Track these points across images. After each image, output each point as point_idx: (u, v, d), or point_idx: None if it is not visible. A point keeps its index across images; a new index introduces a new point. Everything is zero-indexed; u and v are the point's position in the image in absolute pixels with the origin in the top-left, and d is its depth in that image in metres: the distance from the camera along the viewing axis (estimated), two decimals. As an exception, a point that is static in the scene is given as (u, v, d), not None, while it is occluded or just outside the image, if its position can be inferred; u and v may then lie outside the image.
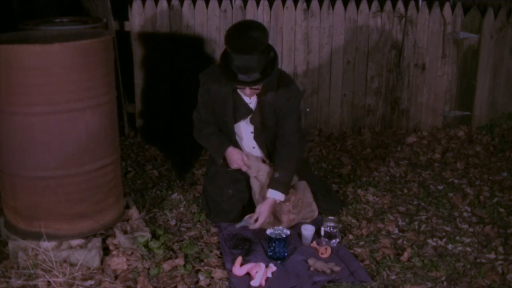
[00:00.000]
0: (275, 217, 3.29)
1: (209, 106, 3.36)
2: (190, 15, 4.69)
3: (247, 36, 3.06)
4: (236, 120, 3.34)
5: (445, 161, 4.45)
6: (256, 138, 3.39)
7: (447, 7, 4.83)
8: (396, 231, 3.36)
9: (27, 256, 2.85)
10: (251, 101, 3.30)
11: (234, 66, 3.06)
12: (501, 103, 5.13)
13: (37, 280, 2.73)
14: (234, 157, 3.32)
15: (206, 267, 2.94)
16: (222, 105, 3.30)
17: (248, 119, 3.34)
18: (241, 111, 3.31)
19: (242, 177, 3.40)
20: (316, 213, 3.40)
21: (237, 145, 3.40)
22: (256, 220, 3.18)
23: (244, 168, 3.32)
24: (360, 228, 3.36)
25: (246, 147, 3.43)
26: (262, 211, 3.18)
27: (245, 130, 3.38)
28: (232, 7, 4.71)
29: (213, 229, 3.34)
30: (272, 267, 2.90)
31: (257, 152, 3.43)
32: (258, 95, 3.26)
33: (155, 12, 4.66)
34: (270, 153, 3.41)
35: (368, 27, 4.84)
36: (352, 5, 4.80)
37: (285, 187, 3.24)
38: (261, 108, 3.29)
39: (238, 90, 3.23)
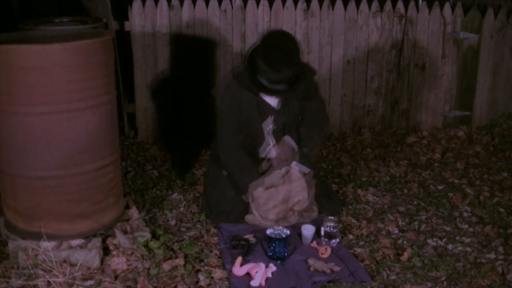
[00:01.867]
0: (284, 218, 3.30)
1: (235, 118, 3.31)
2: (190, 15, 4.69)
3: (283, 50, 3.04)
4: (263, 119, 3.35)
5: (445, 161, 4.45)
6: (275, 134, 3.41)
7: (447, 7, 4.84)
8: (396, 231, 3.36)
9: (27, 256, 2.85)
10: (274, 100, 3.33)
11: (266, 79, 3.06)
12: (501, 103, 5.13)
13: (37, 280, 2.73)
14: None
15: (206, 267, 2.94)
16: (247, 111, 3.30)
17: (272, 118, 3.35)
18: (265, 112, 3.33)
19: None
20: (316, 213, 3.40)
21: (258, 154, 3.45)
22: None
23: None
24: (360, 228, 3.36)
25: (265, 147, 3.44)
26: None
27: (266, 128, 3.41)
28: (232, 7, 4.71)
29: (213, 229, 3.34)
30: (272, 267, 2.90)
31: (272, 152, 3.45)
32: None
33: (155, 12, 4.66)
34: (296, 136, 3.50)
35: (368, 27, 4.84)
36: (352, 5, 4.80)
37: (310, 163, 3.37)
38: (284, 104, 3.33)
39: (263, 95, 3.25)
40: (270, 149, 3.44)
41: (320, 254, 3.04)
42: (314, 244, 3.15)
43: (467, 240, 3.25)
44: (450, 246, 3.19)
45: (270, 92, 3.16)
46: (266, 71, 3.01)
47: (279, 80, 3.05)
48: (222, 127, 3.35)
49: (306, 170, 3.34)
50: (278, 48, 3.03)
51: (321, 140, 3.44)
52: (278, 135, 3.42)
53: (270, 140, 3.43)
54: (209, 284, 2.81)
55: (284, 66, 3.02)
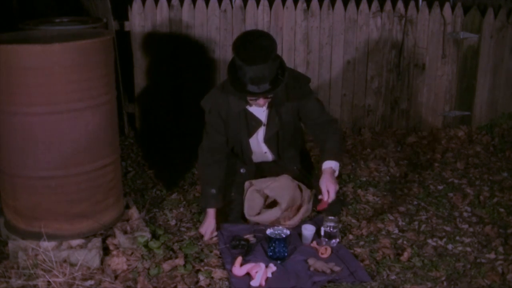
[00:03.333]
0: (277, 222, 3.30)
1: (222, 129, 3.27)
2: (190, 15, 4.69)
3: (257, 45, 2.97)
4: (250, 135, 3.30)
5: (445, 161, 4.45)
6: (266, 142, 3.36)
7: (447, 7, 4.83)
8: (396, 231, 3.36)
9: (27, 256, 2.85)
10: (262, 113, 3.26)
11: (246, 78, 2.96)
12: (501, 103, 5.12)
13: (37, 280, 2.73)
14: (207, 223, 3.25)
15: (206, 267, 2.94)
16: (234, 124, 3.24)
17: (261, 131, 3.30)
18: (253, 125, 3.27)
19: (243, 180, 3.40)
20: (310, 211, 3.40)
21: (251, 161, 3.42)
22: (328, 196, 3.08)
23: (205, 238, 3.22)
24: (360, 228, 3.36)
25: (259, 154, 3.42)
26: (328, 184, 3.07)
27: (257, 140, 3.36)
28: (232, 7, 4.71)
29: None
30: (272, 267, 2.90)
31: (268, 156, 3.44)
32: (270, 104, 3.22)
33: (155, 12, 4.66)
34: (281, 155, 3.41)
35: (368, 27, 4.84)
36: (352, 5, 4.80)
37: (337, 155, 3.20)
38: (274, 116, 3.25)
39: (250, 101, 3.15)
40: (264, 155, 3.44)
41: (320, 254, 3.04)
42: (314, 244, 3.14)
43: (467, 240, 3.25)
44: (450, 246, 3.19)
45: (251, 93, 3.02)
46: (242, 66, 2.94)
47: (259, 77, 2.94)
48: (205, 139, 3.30)
49: (336, 165, 3.18)
50: (251, 45, 2.98)
51: (338, 139, 3.24)
52: (271, 142, 3.36)
53: (263, 147, 3.40)
54: (209, 284, 2.81)
55: (259, 60, 2.91)
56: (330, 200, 3.08)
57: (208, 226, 3.23)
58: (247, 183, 3.37)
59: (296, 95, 3.23)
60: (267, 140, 3.35)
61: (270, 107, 3.25)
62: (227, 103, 3.18)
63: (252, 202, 3.32)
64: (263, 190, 3.30)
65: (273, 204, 3.33)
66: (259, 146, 3.38)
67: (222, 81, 3.28)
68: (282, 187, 3.29)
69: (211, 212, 3.26)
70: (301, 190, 3.35)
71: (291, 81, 3.17)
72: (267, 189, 3.29)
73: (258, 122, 3.27)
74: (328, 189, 3.07)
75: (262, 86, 2.97)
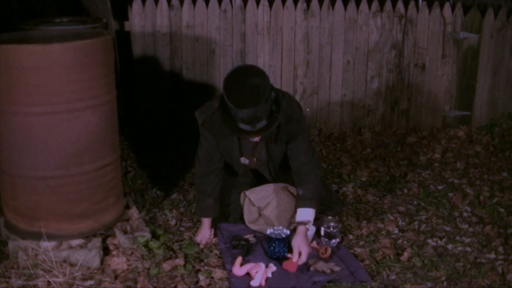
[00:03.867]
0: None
1: (214, 143, 3.15)
2: (190, 15, 4.69)
3: (248, 86, 2.75)
4: (242, 154, 3.21)
5: (445, 161, 4.45)
6: (258, 166, 3.29)
7: (447, 7, 4.83)
8: (396, 231, 3.36)
9: (27, 256, 2.85)
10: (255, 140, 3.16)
11: (238, 119, 2.82)
12: (501, 103, 5.12)
13: (37, 280, 2.73)
14: (203, 232, 3.24)
15: (206, 267, 2.94)
16: (226, 142, 3.12)
17: (254, 152, 3.22)
18: (246, 147, 3.18)
19: (244, 181, 3.39)
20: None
21: (242, 177, 3.37)
22: (299, 258, 2.94)
23: (201, 246, 3.18)
24: (360, 228, 3.36)
25: (252, 177, 3.39)
26: (301, 245, 2.95)
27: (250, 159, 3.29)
28: (232, 7, 4.71)
29: (213, 229, 3.34)
30: (272, 267, 2.90)
31: (261, 171, 3.38)
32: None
33: (155, 12, 4.66)
34: (273, 176, 3.35)
35: (368, 27, 4.84)
36: (352, 5, 4.80)
37: (312, 201, 3.09)
38: (262, 148, 3.17)
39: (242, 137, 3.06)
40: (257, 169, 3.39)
41: (320, 254, 3.04)
42: (314, 244, 3.14)
43: (467, 240, 3.25)
44: (450, 246, 3.19)
45: (243, 132, 2.88)
46: (236, 111, 2.77)
47: (251, 117, 2.77)
48: (200, 149, 3.22)
49: (311, 213, 3.11)
50: (241, 86, 2.76)
51: (314, 181, 3.11)
52: (261, 168, 3.31)
53: (256, 170, 3.35)
54: (209, 284, 2.81)
55: (251, 104, 2.72)
56: (300, 263, 2.94)
57: (204, 235, 3.23)
58: (242, 195, 3.35)
59: (286, 133, 3.08)
60: (259, 161, 3.26)
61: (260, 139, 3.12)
62: (220, 122, 2.97)
63: (249, 211, 3.31)
64: (262, 210, 3.27)
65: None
66: (251, 163, 3.30)
67: (218, 96, 3.07)
68: (280, 210, 3.24)
69: (206, 222, 3.25)
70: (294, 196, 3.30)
71: (283, 119, 2.99)
72: (266, 210, 3.26)
73: (250, 142, 3.16)
74: (301, 250, 2.94)
75: (254, 124, 2.82)
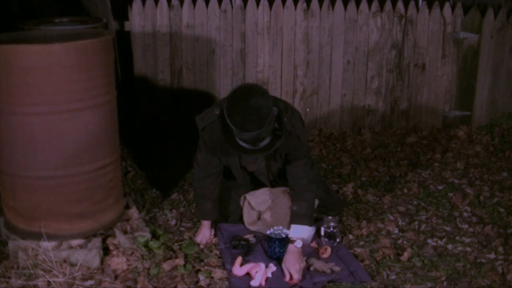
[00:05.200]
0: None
1: (214, 148, 3.12)
2: (190, 15, 4.69)
3: (251, 108, 2.69)
4: (241, 165, 3.22)
5: (445, 161, 4.45)
6: (258, 175, 3.31)
7: (447, 7, 4.83)
8: (396, 231, 3.36)
9: (27, 256, 2.85)
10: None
11: (241, 140, 2.77)
12: (501, 103, 5.13)
13: (37, 280, 2.73)
14: (203, 232, 3.24)
15: (206, 267, 2.94)
16: (226, 149, 3.04)
17: (253, 165, 3.23)
18: (246, 159, 3.17)
19: (244, 182, 3.39)
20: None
21: (241, 180, 3.34)
22: (291, 278, 2.85)
23: (201, 246, 3.18)
24: (360, 228, 3.36)
25: (251, 180, 3.39)
26: (289, 266, 2.86)
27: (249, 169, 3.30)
28: (232, 7, 4.71)
29: (213, 230, 3.34)
30: (272, 267, 2.90)
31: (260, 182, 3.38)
32: None
33: (155, 12, 4.66)
34: (273, 184, 3.34)
35: (368, 27, 4.84)
36: (352, 5, 4.80)
37: (307, 218, 3.03)
38: (261, 161, 3.18)
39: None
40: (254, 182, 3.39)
41: (320, 254, 3.04)
42: (314, 244, 3.15)
43: (467, 240, 3.25)
44: (450, 246, 3.19)
45: (246, 152, 2.83)
46: (238, 133, 2.74)
47: (254, 139, 2.74)
48: (199, 153, 3.22)
49: (306, 230, 3.06)
50: (245, 106, 2.70)
51: (310, 196, 3.05)
52: (260, 177, 3.30)
53: (256, 179, 3.35)
54: (209, 284, 2.81)
55: (254, 127, 2.68)
56: (294, 282, 2.84)
57: (204, 235, 3.23)
58: (242, 198, 3.35)
59: (285, 148, 3.04)
60: (257, 174, 3.29)
61: None
62: (220, 130, 2.92)
63: (248, 214, 3.31)
64: (262, 214, 3.26)
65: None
66: (251, 167, 3.30)
67: (219, 102, 3.06)
68: (279, 214, 3.21)
69: (206, 223, 3.26)
70: None
71: (284, 138, 2.91)
72: (266, 214, 3.25)
73: (250, 161, 3.16)
74: (290, 271, 2.85)
75: (257, 144, 2.78)
